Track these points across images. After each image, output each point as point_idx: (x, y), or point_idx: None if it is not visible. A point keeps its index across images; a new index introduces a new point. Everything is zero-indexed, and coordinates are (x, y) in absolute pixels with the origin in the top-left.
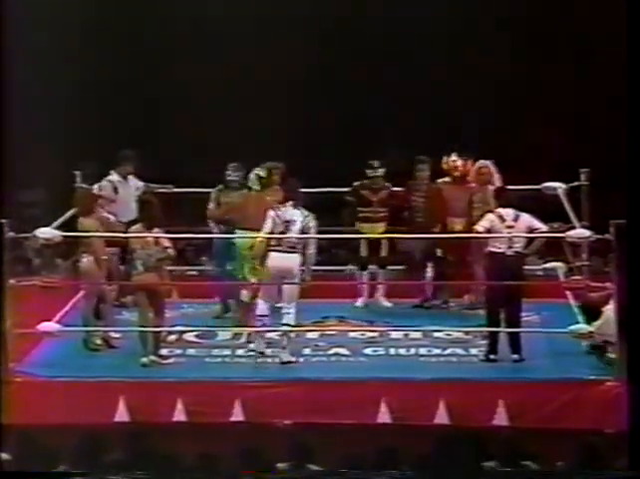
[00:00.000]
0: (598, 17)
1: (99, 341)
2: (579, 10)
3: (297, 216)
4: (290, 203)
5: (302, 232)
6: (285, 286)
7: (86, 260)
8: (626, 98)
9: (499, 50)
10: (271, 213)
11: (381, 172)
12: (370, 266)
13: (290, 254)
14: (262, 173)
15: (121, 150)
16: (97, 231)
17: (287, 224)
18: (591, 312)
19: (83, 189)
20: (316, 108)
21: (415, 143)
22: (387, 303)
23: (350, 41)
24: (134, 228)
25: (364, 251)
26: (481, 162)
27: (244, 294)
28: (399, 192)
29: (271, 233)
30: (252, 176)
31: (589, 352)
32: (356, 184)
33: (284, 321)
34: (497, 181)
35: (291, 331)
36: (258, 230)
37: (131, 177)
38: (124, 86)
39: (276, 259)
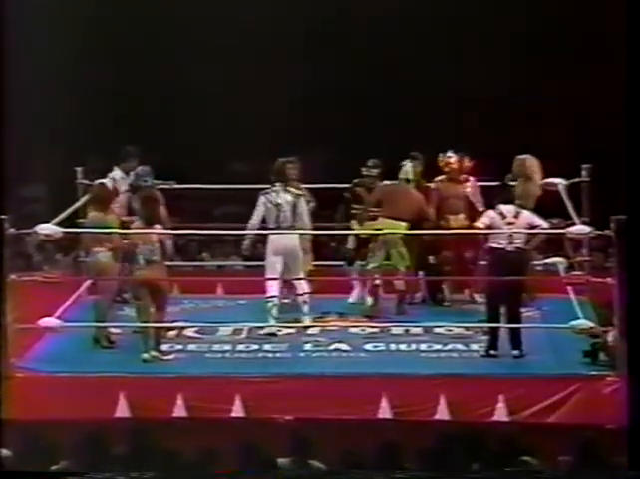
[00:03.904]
0: (599, 10)
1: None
2: (580, 5)
3: (287, 197)
4: (278, 184)
5: (294, 210)
6: (293, 263)
7: (102, 256)
8: (626, 93)
9: (499, 45)
10: (262, 198)
11: (375, 171)
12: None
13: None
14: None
15: (123, 146)
16: (115, 226)
17: (278, 206)
18: None
19: (100, 184)
20: (317, 106)
21: (413, 140)
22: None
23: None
24: (135, 223)
25: (351, 246)
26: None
27: (398, 284)
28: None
29: (264, 217)
30: (407, 168)
31: (584, 357)
32: (355, 180)
33: (299, 292)
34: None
35: (293, 327)
36: (405, 219)
37: (133, 173)
38: (125, 82)
39: (277, 240)
